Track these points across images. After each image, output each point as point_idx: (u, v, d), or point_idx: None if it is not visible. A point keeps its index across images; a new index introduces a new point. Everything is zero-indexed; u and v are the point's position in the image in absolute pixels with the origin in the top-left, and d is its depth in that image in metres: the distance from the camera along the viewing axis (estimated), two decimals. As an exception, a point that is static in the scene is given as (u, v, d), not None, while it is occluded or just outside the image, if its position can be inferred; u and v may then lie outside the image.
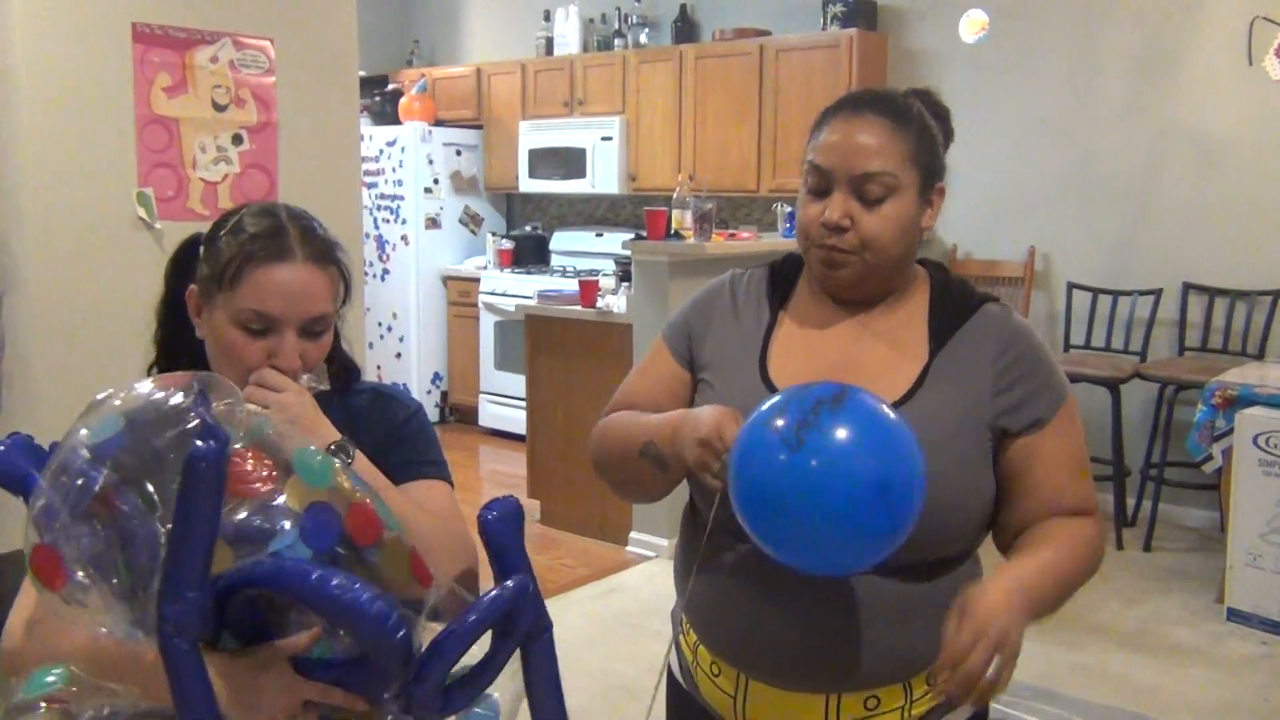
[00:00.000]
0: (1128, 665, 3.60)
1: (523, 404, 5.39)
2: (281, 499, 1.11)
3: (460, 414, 7.27)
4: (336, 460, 1.17)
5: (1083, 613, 4.02)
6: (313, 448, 1.15)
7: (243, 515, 1.09)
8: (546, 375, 5.09)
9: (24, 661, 1.16)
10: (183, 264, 1.45)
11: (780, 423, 1.13)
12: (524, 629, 1.18)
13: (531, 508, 5.22)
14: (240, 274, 1.35)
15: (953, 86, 5.56)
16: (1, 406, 2.92)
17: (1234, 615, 3.90)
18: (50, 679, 1.15)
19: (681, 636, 1.52)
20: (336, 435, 1.35)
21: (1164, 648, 3.74)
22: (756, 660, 1.37)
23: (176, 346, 1.47)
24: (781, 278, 1.53)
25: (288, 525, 1.10)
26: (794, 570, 1.23)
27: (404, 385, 6.89)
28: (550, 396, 5.07)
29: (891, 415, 1.18)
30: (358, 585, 1.05)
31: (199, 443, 0.99)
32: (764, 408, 1.19)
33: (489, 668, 1.16)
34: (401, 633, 1.06)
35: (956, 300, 1.44)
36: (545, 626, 1.21)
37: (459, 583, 1.29)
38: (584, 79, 6.73)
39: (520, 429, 5.62)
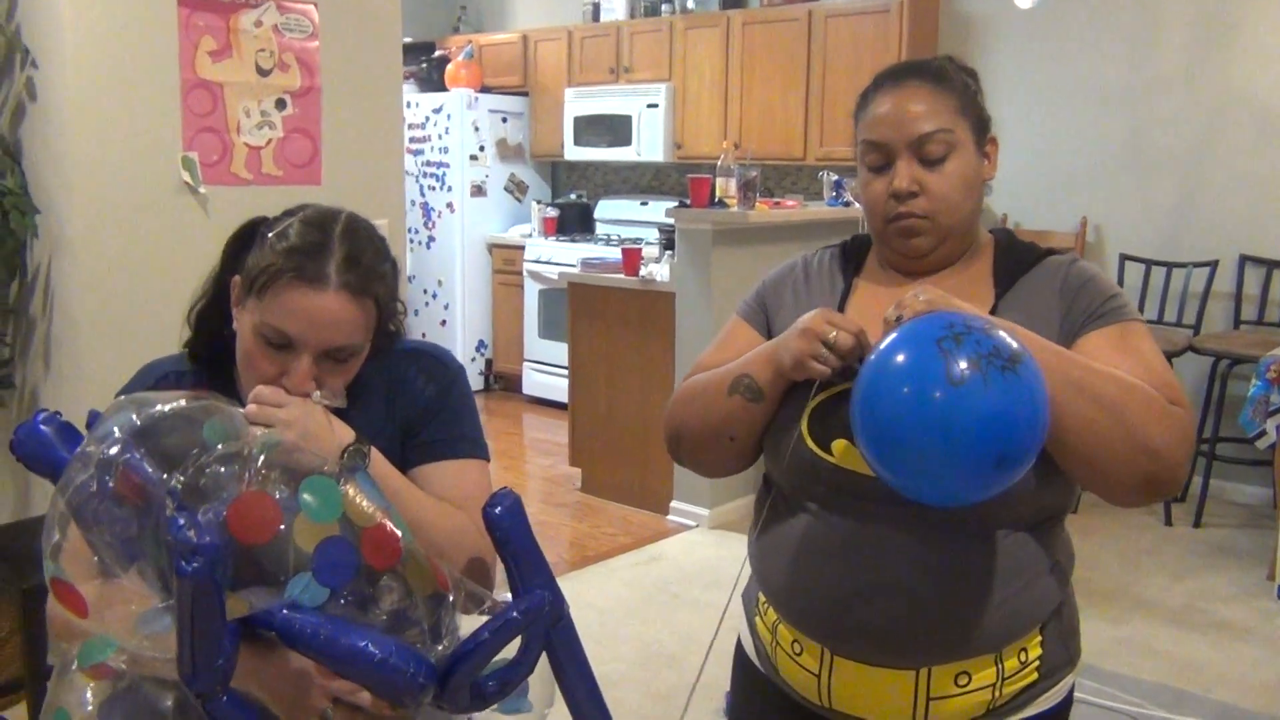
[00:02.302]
0: (1174, 642, 3.54)
1: (566, 372, 5.40)
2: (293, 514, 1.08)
3: (504, 382, 7.30)
4: (345, 484, 1.14)
5: (1129, 588, 3.97)
6: (317, 476, 1.12)
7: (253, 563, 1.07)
8: (588, 343, 5.08)
9: (77, 630, 1.18)
10: (239, 247, 1.40)
11: (961, 365, 1.09)
12: (545, 626, 1.17)
13: (573, 476, 5.24)
14: (269, 287, 1.30)
15: (1006, 53, 5.45)
16: (50, 368, 2.96)
17: (1285, 594, 3.83)
18: (105, 648, 1.17)
19: (757, 618, 1.49)
20: (350, 437, 1.31)
21: (1212, 625, 3.68)
22: (842, 635, 1.34)
23: (211, 328, 1.44)
24: (853, 253, 1.55)
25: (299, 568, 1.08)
26: (880, 531, 1.27)
27: (449, 352, 6.92)
28: (592, 365, 5.07)
29: (1045, 392, 1.15)
30: (367, 643, 1.06)
31: (184, 564, 0.98)
32: (918, 329, 1.16)
33: (520, 665, 1.16)
34: (423, 678, 1.08)
35: (1021, 254, 1.45)
36: (562, 613, 1.20)
37: (468, 574, 1.29)
38: (630, 46, 6.68)
39: (563, 397, 5.64)
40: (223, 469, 1.10)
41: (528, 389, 6.98)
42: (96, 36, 2.75)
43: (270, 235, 1.34)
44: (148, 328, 2.76)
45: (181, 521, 1.01)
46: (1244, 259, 4.88)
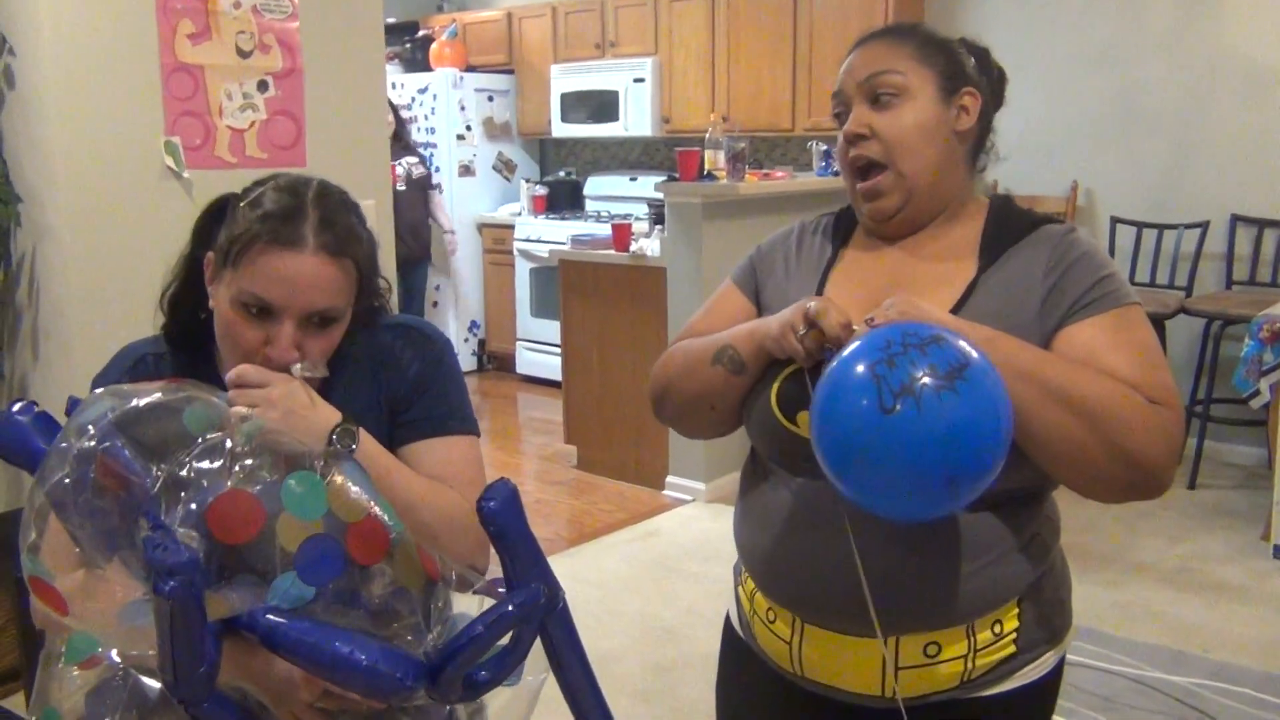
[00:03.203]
0: (1171, 603, 3.56)
1: (559, 350, 5.39)
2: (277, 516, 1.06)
3: (498, 361, 7.29)
4: (331, 476, 1.12)
5: (1125, 551, 3.98)
6: (301, 472, 1.10)
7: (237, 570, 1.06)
8: (581, 320, 5.07)
9: (58, 624, 1.17)
10: (209, 224, 1.38)
11: (893, 390, 1.06)
12: (539, 618, 1.16)
13: (568, 453, 5.24)
14: (244, 255, 1.28)
15: (993, 18, 5.42)
16: (38, 357, 2.94)
17: (1281, 552, 3.84)
18: (93, 643, 1.16)
19: (740, 586, 1.49)
20: (336, 417, 1.26)
21: (1208, 586, 3.69)
22: (811, 602, 1.34)
23: (185, 311, 1.42)
24: (845, 220, 1.52)
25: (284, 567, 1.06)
26: (853, 507, 1.21)
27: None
28: (585, 341, 5.06)
29: (996, 403, 1.10)
30: (353, 649, 1.05)
31: (160, 584, 0.96)
32: (867, 345, 1.12)
33: (511, 655, 1.15)
34: (411, 680, 1.07)
35: (1014, 222, 1.39)
36: (557, 602, 1.19)
37: (463, 552, 1.29)
38: (615, 20, 6.64)
39: (557, 375, 5.63)
40: (204, 464, 1.08)
41: (521, 368, 6.97)
42: (74, 22, 2.71)
43: (242, 205, 1.32)
44: (135, 313, 2.73)
45: (156, 540, 0.99)
46: (1235, 219, 4.87)
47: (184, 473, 1.07)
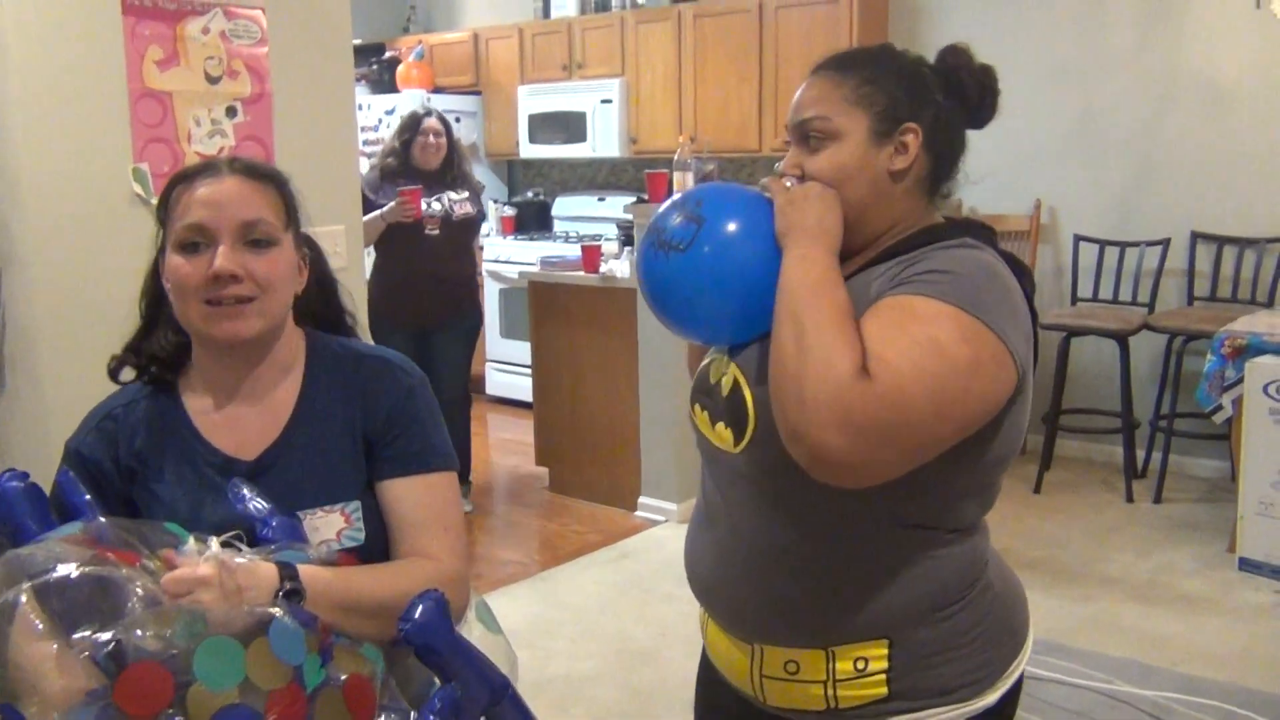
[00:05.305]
0: (1140, 617, 3.60)
1: (529, 371, 5.38)
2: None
3: (467, 383, 7.27)
4: (253, 641, 1.08)
5: (1094, 565, 4.02)
6: (215, 639, 1.06)
7: None
8: (551, 342, 5.07)
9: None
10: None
11: (658, 233, 1.36)
12: (476, 713, 1.16)
13: (540, 475, 5.23)
14: (174, 201, 1.38)
15: (955, 37, 5.46)
16: (4, 385, 2.91)
17: (1246, 565, 3.89)
18: None
19: None
20: (274, 579, 1.21)
21: (1176, 598, 3.73)
22: (704, 597, 1.41)
23: (164, 342, 1.51)
24: None
25: None
26: (730, 502, 1.34)
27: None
28: (556, 363, 5.06)
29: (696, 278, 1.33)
30: None
31: None
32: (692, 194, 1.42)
33: None
34: None
35: (908, 243, 1.32)
36: (501, 694, 1.19)
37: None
38: (582, 41, 6.67)
39: (527, 396, 5.62)
40: (139, 633, 1.05)
41: (491, 389, 6.95)
42: (41, 49, 2.70)
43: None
44: (104, 342, 2.70)
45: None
46: (1195, 236, 4.95)
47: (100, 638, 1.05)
